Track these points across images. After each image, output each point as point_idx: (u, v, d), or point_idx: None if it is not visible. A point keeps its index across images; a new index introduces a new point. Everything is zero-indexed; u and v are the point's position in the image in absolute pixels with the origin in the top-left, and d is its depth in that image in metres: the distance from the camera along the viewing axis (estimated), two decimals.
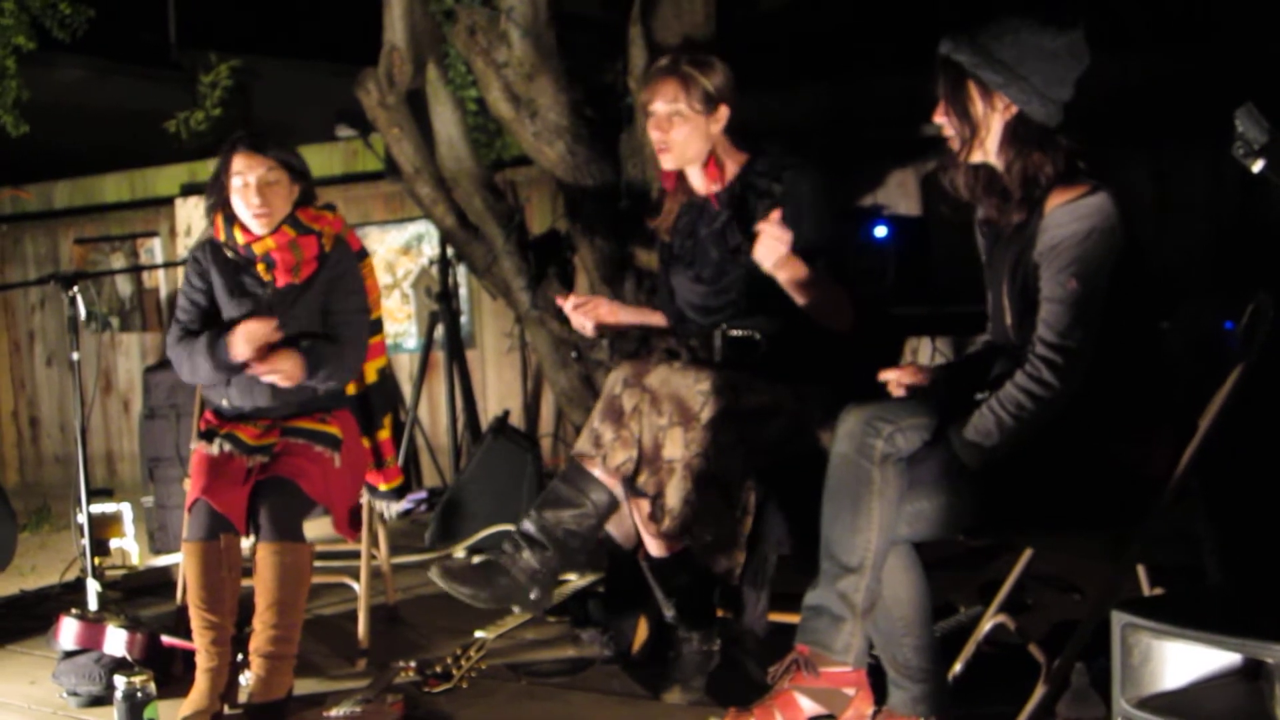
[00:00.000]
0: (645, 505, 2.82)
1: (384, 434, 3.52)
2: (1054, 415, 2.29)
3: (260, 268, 3.23)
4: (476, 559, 2.97)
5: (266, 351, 3.10)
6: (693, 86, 2.95)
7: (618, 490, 2.87)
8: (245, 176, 3.17)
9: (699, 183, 3.08)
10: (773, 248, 2.76)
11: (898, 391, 2.62)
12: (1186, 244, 4.48)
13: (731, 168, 3.04)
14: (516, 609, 2.86)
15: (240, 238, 3.22)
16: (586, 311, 3.16)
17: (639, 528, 2.88)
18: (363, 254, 3.43)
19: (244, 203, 3.18)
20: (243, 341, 3.09)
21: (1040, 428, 2.30)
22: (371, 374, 3.47)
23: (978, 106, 2.40)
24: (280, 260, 3.20)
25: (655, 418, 2.81)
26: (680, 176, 3.11)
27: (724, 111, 2.98)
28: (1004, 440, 2.31)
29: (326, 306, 3.25)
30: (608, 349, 4.38)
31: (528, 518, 2.89)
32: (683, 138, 2.97)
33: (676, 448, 2.78)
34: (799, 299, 2.83)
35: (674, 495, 2.77)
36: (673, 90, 2.96)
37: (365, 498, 3.43)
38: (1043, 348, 2.29)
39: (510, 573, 2.83)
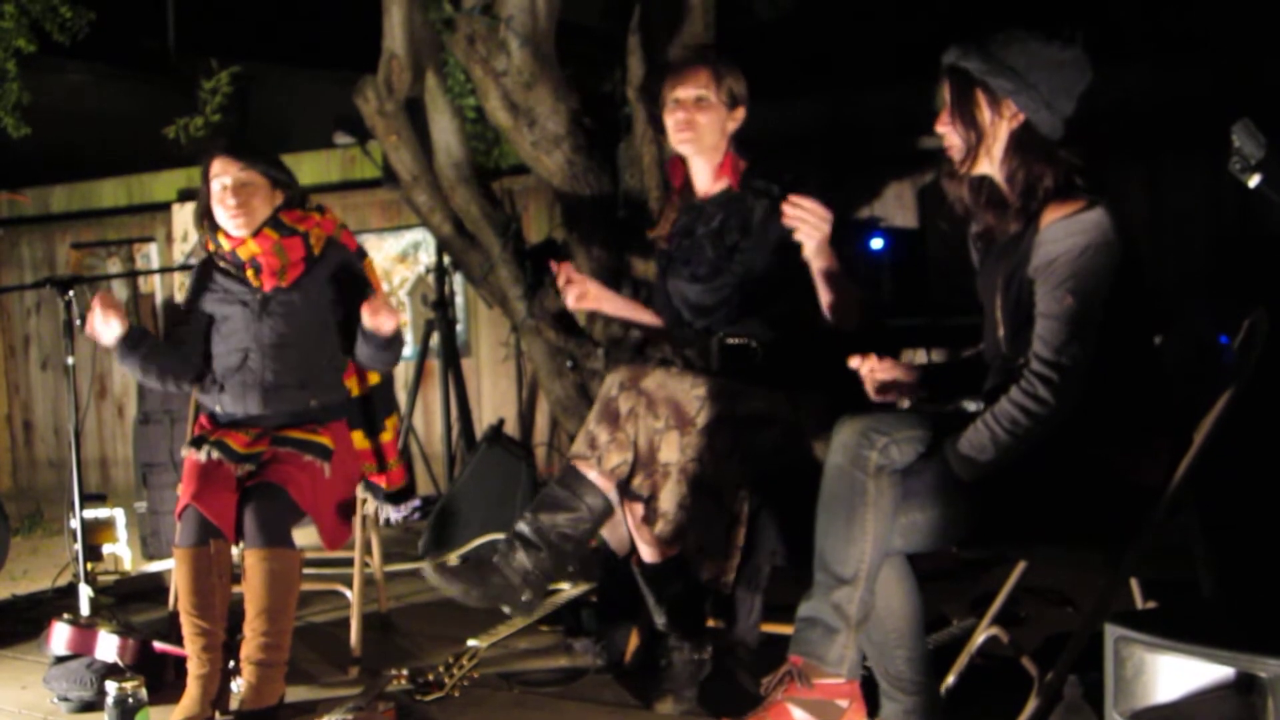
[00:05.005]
0: (639, 508, 2.82)
1: (387, 436, 3.52)
2: (1049, 431, 2.29)
3: (249, 273, 3.25)
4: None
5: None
6: (723, 79, 3.02)
7: (612, 494, 2.87)
8: (221, 179, 3.22)
9: (703, 182, 3.10)
10: (816, 226, 2.67)
11: (870, 385, 2.61)
12: (1183, 258, 4.49)
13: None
14: (507, 609, 2.85)
15: (225, 244, 3.26)
16: (574, 288, 3.17)
17: (632, 532, 2.88)
18: (362, 254, 3.44)
19: (221, 205, 3.23)
20: (93, 322, 3.17)
21: (1035, 443, 2.30)
22: (374, 375, 3.47)
23: (985, 114, 2.39)
24: (265, 264, 3.23)
25: (651, 421, 2.81)
26: (685, 180, 3.12)
27: (741, 113, 3.04)
28: (998, 455, 2.30)
29: (348, 314, 3.25)
30: (603, 358, 4.38)
31: (523, 520, 2.88)
32: (706, 124, 3.01)
33: (672, 451, 2.78)
34: (824, 292, 2.81)
35: (668, 499, 2.77)
36: (704, 78, 3.01)
37: (360, 506, 3.42)
38: (1039, 364, 2.28)
39: (503, 573, 2.83)
